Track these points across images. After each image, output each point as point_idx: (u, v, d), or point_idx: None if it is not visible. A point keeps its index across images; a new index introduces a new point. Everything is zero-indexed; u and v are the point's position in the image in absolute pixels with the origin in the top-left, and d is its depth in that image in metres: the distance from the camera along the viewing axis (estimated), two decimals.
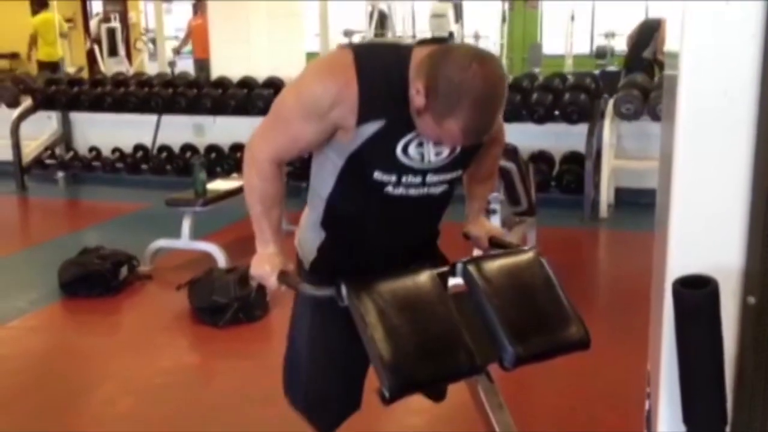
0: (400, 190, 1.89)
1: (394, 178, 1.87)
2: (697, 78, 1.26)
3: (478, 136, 1.74)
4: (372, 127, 1.80)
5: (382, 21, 12.72)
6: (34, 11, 11.88)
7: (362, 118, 1.78)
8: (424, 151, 1.86)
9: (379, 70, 1.79)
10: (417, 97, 1.73)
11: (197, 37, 11.24)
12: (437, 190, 1.94)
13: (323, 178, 1.97)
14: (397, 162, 1.85)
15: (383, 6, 12.74)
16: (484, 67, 1.67)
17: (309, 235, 2.08)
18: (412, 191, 1.90)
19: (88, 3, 15.08)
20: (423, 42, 1.85)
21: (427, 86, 1.70)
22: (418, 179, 1.89)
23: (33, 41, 11.47)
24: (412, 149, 1.84)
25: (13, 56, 12.95)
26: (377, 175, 1.86)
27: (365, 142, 1.81)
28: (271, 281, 1.96)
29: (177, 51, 12.75)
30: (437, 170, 1.91)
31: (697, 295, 1.19)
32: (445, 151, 1.88)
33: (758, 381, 1.26)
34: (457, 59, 1.68)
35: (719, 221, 1.26)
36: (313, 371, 2.19)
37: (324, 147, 1.92)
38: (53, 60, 11.40)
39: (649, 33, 9.71)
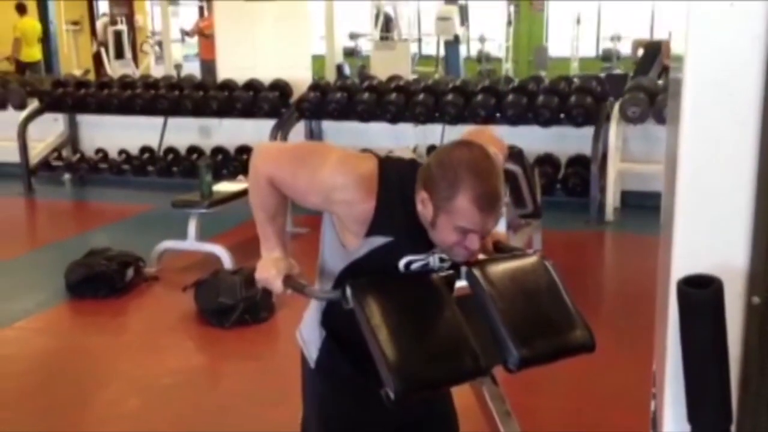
0: None
1: None
2: (701, 78, 1.26)
3: (490, 203, 1.73)
4: (379, 241, 1.82)
5: (388, 24, 12.73)
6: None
7: (372, 231, 1.81)
8: (427, 266, 1.89)
9: (397, 189, 1.82)
10: (424, 208, 1.77)
11: (204, 39, 11.31)
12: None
13: (331, 263, 1.98)
14: (398, 274, 1.87)
15: (389, 9, 12.75)
16: (469, 144, 1.78)
17: (312, 335, 2.08)
18: None
19: (94, 5, 15.13)
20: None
21: (426, 187, 1.75)
22: None
23: (17, 44, 12.01)
24: (415, 266, 1.88)
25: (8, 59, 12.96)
26: None
27: (369, 253, 1.84)
28: (277, 285, 1.96)
29: (187, 33, 12.81)
30: (439, 271, 1.93)
31: (701, 294, 1.19)
32: (447, 263, 1.91)
33: (763, 381, 1.26)
34: (444, 149, 1.80)
35: (724, 222, 1.26)
36: None
37: (330, 242, 1.94)
38: (33, 61, 12.09)
39: (653, 55, 9.73)
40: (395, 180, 1.82)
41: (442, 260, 1.90)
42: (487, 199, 1.72)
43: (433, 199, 1.74)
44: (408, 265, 1.87)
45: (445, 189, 1.72)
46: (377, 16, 12.65)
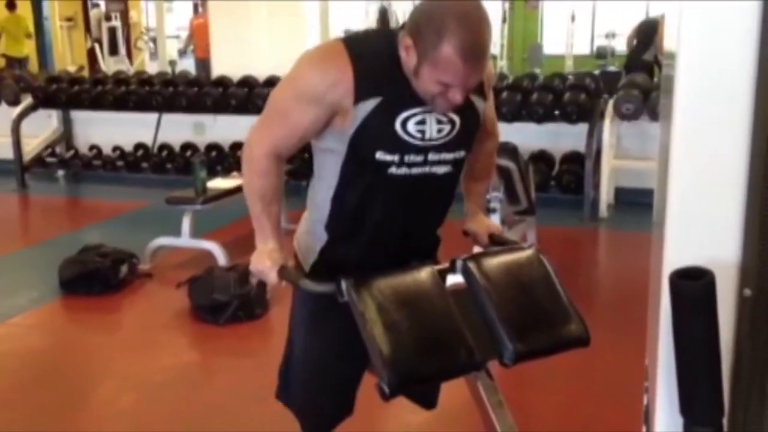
0: (403, 170, 1.89)
1: (396, 158, 1.87)
2: (693, 71, 1.27)
3: (475, 55, 1.72)
4: (369, 105, 1.81)
5: (384, 18, 12.67)
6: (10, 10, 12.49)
7: (359, 97, 1.81)
8: (425, 128, 1.86)
9: (371, 52, 1.84)
10: (408, 56, 1.77)
11: (198, 36, 11.27)
12: (440, 170, 1.94)
13: (326, 176, 1.97)
14: (397, 139, 1.85)
15: (384, 4, 12.72)
16: None
17: (310, 238, 2.08)
18: (415, 170, 1.90)
19: (89, 1, 15.07)
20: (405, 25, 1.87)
21: (411, 34, 1.75)
22: (420, 158, 1.89)
23: None
24: (412, 126, 1.85)
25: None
26: (379, 155, 1.86)
27: (364, 121, 1.83)
28: (272, 277, 1.96)
29: (183, 51, 12.80)
30: (439, 148, 1.91)
31: (693, 286, 1.20)
32: (446, 127, 1.89)
33: (755, 372, 1.27)
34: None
35: (716, 215, 1.27)
36: (308, 376, 2.20)
37: (325, 141, 1.93)
38: (18, 56, 12.29)
39: (648, 35, 9.74)
40: (366, 44, 1.85)
41: (440, 121, 1.88)
42: (472, 50, 1.71)
43: (418, 46, 1.73)
44: (405, 123, 1.85)
45: (429, 37, 1.71)
46: (383, 14, 12.56)
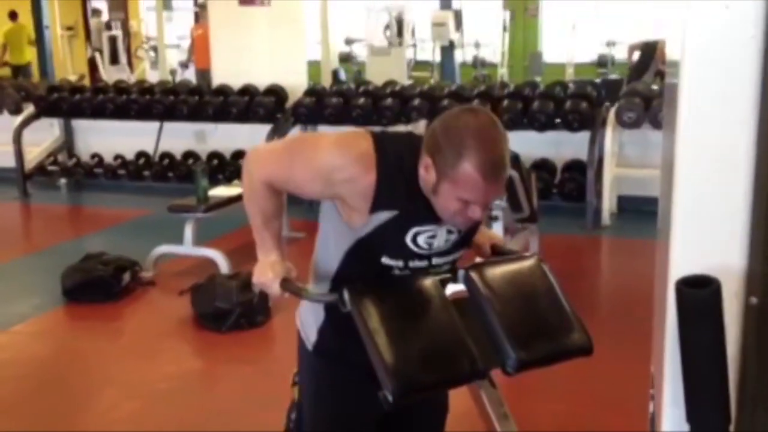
0: (406, 273, 1.92)
1: (401, 263, 1.90)
2: (697, 79, 1.27)
3: (495, 171, 1.72)
4: (384, 216, 1.82)
5: (400, 28, 12.54)
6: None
7: (375, 206, 1.81)
8: (434, 241, 1.89)
9: (395, 161, 1.82)
10: (427, 174, 1.77)
11: (198, 47, 11.28)
12: (441, 269, 1.97)
13: (329, 257, 1.97)
14: (405, 250, 1.87)
15: (392, 13, 12.69)
16: (475, 110, 1.78)
17: (310, 318, 2.07)
18: (418, 272, 1.93)
19: (88, 6, 15.10)
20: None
21: (431, 153, 1.74)
22: (423, 263, 1.92)
23: (3, 48, 12.77)
24: (422, 239, 1.87)
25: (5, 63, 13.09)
26: (385, 260, 1.89)
27: (376, 229, 1.84)
28: (274, 289, 1.96)
29: (185, 65, 12.84)
30: (443, 253, 1.94)
31: (699, 294, 1.20)
32: (453, 237, 1.91)
33: (761, 381, 1.27)
34: (449, 115, 1.78)
35: (722, 223, 1.27)
36: None
37: (333, 227, 1.94)
38: (22, 63, 12.70)
39: (648, 57, 9.75)
40: (393, 153, 1.82)
41: (449, 231, 1.89)
42: (492, 166, 1.71)
43: (437, 165, 1.73)
44: (415, 237, 1.86)
45: (449, 155, 1.70)
46: (399, 22, 12.51)
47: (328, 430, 2.11)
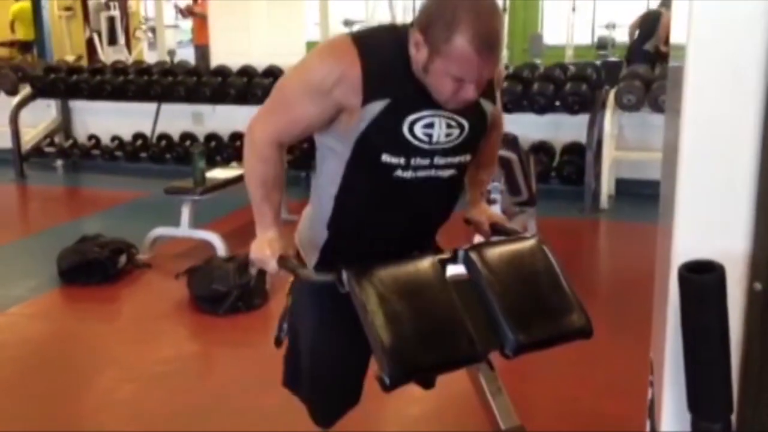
0: (409, 173, 1.87)
1: (402, 161, 1.85)
2: (703, 61, 1.25)
3: (490, 45, 1.68)
4: (377, 107, 1.78)
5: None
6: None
7: (367, 98, 1.77)
8: (432, 131, 1.84)
9: (380, 50, 1.80)
10: (418, 52, 1.73)
11: (198, 23, 11.24)
12: (445, 173, 1.92)
13: (329, 174, 1.95)
14: (404, 142, 1.83)
15: None
16: None
17: (311, 235, 2.06)
18: (421, 173, 1.88)
19: None
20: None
21: (421, 29, 1.71)
22: (426, 161, 1.87)
23: (12, 25, 13.24)
24: (419, 129, 1.82)
25: (12, 44, 13.18)
26: (385, 157, 1.84)
27: (371, 122, 1.80)
28: (272, 265, 1.95)
29: (182, 10, 12.86)
30: (445, 152, 1.89)
31: (703, 280, 1.18)
32: (455, 132, 1.87)
33: (764, 368, 1.25)
34: None
35: (726, 208, 1.25)
36: (316, 368, 2.19)
37: (329, 139, 1.91)
38: (28, 39, 13.04)
39: (651, 25, 9.71)
40: (375, 43, 1.81)
41: (449, 125, 1.85)
42: (486, 40, 1.67)
43: (428, 40, 1.70)
44: (412, 126, 1.82)
45: (441, 29, 1.67)
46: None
47: (328, 345, 2.13)
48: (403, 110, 1.81)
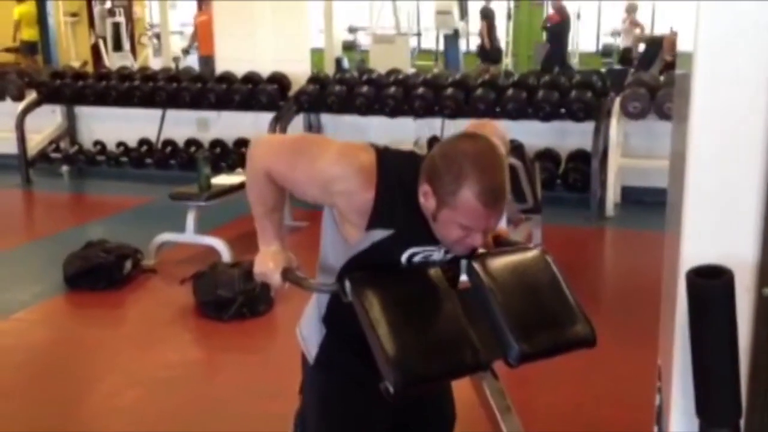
0: None
1: None
2: (711, 69, 1.24)
3: (495, 198, 1.70)
4: (380, 234, 1.79)
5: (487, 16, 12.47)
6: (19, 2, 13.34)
7: (373, 224, 1.78)
8: (429, 260, 1.86)
9: (396, 180, 1.79)
10: (427, 201, 1.74)
11: (202, 33, 11.27)
12: None
13: (326, 272, 1.95)
14: (399, 267, 1.85)
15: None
16: (473, 137, 1.75)
17: (311, 332, 2.05)
18: None
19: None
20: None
21: (430, 180, 1.72)
22: None
23: (17, 26, 13.18)
24: (418, 260, 1.85)
25: (17, 50, 13.22)
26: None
27: (370, 247, 1.81)
28: (275, 279, 1.94)
29: (186, 51, 12.83)
30: (441, 264, 1.89)
31: (712, 285, 1.17)
32: (450, 255, 1.88)
33: None
34: (447, 142, 1.76)
35: (734, 213, 1.25)
36: None
37: (330, 237, 1.91)
38: (34, 40, 13.11)
39: (654, 50, 9.72)
40: (394, 171, 1.79)
41: (446, 251, 1.87)
42: (492, 194, 1.69)
43: (436, 192, 1.71)
44: (410, 258, 1.84)
45: (448, 183, 1.68)
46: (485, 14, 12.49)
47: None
48: (406, 242, 1.82)
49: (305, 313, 2.11)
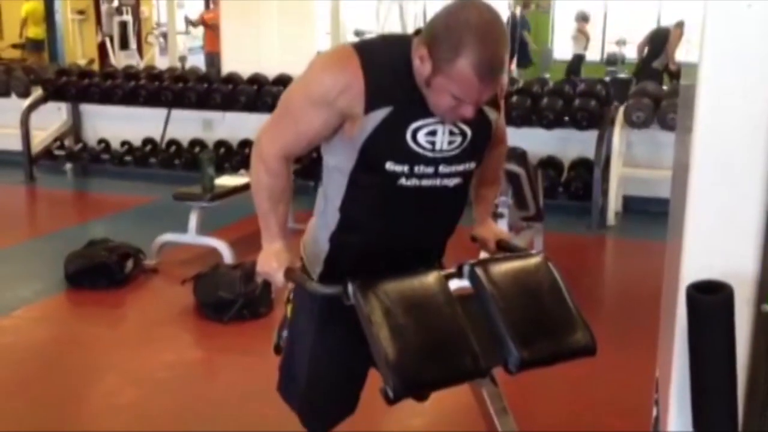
0: (413, 181, 1.87)
1: (406, 169, 1.85)
2: (716, 81, 1.25)
3: (491, 72, 1.70)
4: (380, 114, 1.79)
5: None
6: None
7: (370, 105, 1.78)
8: (435, 139, 1.84)
9: (383, 59, 1.81)
10: (422, 65, 1.74)
11: (209, 30, 11.30)
12: (450, 182, 1.92)
13: (335, 186, 1.95)
14: (408, 150, 1.83)
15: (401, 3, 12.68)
16: (478, 6, 1.71)
17: (315, 247, 2.06)
18: (425, 182, 1.88)
19: None
20: (420, 31, 1.84)
21: (427, 45, 1.72)
22: (430, 169, 1.87)
23: (24, 23, 13.33)
24: (422, 137, 1.83)
25: (23, 46, 13.30)
26: (389, 165, 1.84)
27: (374, 130, 1.81)
28: (278, 278, 1.95)
29: (191, 22, 12.94)
30: (449, 160, 1.89)
31: (711, 300, 1.18)
32: (458, 139, 1.87)
33: None
34: (451, 7, 1.73)
35: (735, 229, 1.25)
36: (312, 375, 2.17)
37: (334, 155, 1.92)
38: (39, 38, 13.27)
39: (660, 43, 9.76)
40: (378, 51, 1.83)
41: (452, 132, 1.86)
42: (489, 66, 1.68)
43: (433, 57, 1.71)
44: (415, 134, 1.82)
45: (446, 50, 1.68)
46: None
47: (326, 353, 2.12)
48: (406, 118, 1.81)
49: (309, 232, 2.11)
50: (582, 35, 12.94)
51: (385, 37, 1.93)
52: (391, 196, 1.89)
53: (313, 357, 2.16)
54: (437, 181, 1.90)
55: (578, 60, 12.92)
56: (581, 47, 12.96)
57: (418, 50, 1.75)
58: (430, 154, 1.85)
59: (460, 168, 1.92)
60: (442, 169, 1.89)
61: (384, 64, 1.80)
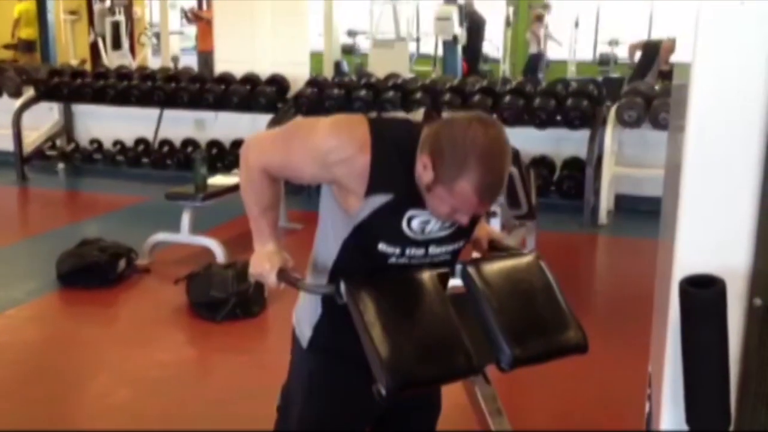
0: (403, 261, 1.89)
1: (398, 251, 1.87)
2: (709, 80, 1.26)
3: (492, 194, 1.72)
4: (380, 200, 1.80)
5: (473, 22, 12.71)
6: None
7: (371, 189, 1.79)
8: (427, 226, 1.86)
9: (392, 145, 1.80)
10: (424, 172, 1.74)
11: (202, 29, 11.30)
12: (439, 259, 1.94)
13: (327, 249, 1.96)
14: (401, 235, 1.85)
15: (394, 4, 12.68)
16: (485, 124, 1.72)
17: (306, 314, 2.05)
18: (415, 261, 1.91)
19: None
20: (430, 116, 1.84)
21: (432, 156, 1.72)
22: (420, 251, 1.89)
23: (16, 24, 13.39)
24: (416, 223, 1.85)
25: (15, 46, 13.27)
26: (381, 246, 1.86)
27: (372, 213, 1.82)
28: (271, 279, 1.95)
29: (187, 14, 12.95)
30: (440, 241, 1.91)
31: (704, 294, 1.19)
32: (448, 223, 1.88)
33: (762, 382, 1.26)
34: (458, 122, 1.73)
35: (728, 224, 1.26)
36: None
37: (330, 216, 1.92)
38: (31, 39, 13.23)
39: (651, 57, 9.75)
40: (389, 135, 1.81)
41: (441, 229, 1.87)
42: (490, 190, 1.71)
43: (436, 169, 1.71)
44: (410, 220, 1.83)
45: (450, 166, 1.69)
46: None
47: (318, 429, 2.10)
48: (404, 206, 1.83)
49: (303, 295, 2.11)
50: (534, 36, 12.90)
51: (399, 120, 1.90)
52: (380, 269, 1.91)
53: (303, 416, 2.12)
54: (426, 260, 1.92)
55: (535, 59, 12.87)
56: (535, 47, 12.95)
57: (422, 158, 1.75)
58: (421, 237, 1.87)
59: (450, 248, 1.94)
60: (432, 250, 1.91)
61: (392, 149, 1.79)
